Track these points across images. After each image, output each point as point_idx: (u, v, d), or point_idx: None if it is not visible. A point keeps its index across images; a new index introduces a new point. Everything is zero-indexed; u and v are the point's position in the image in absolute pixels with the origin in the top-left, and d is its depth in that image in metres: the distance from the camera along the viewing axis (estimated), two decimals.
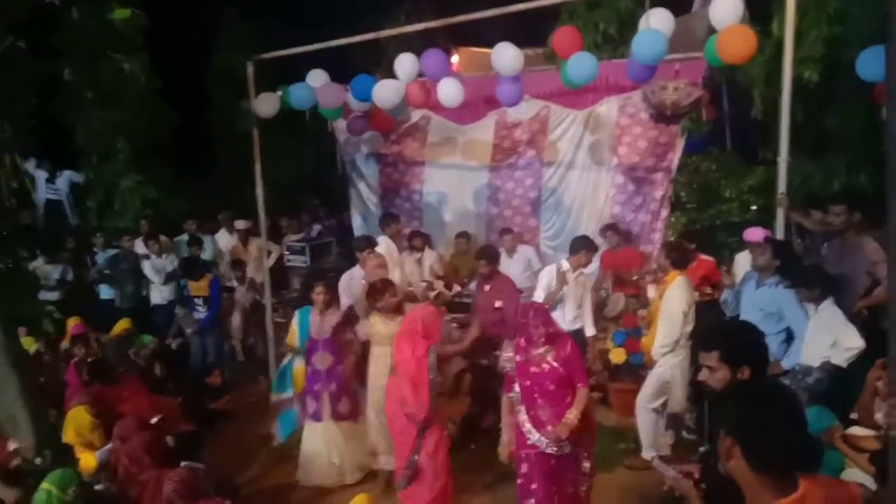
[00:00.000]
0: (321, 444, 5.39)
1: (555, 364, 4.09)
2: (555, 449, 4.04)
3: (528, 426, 4.10)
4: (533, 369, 4.12)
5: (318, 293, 5.47)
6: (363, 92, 6.41)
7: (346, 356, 5.44)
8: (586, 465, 4.20)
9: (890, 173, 2.03)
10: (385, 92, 6.24)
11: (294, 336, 5.65)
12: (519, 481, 4.20)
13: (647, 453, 5.22)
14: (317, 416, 5.42)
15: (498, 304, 5.85)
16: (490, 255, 6.13)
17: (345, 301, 5.90)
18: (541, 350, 4.13)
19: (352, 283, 6.15)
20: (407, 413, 4.44)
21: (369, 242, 6.44)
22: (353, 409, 5.45)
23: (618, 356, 6.26)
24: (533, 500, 4.10)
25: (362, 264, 6.09)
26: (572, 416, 3.98)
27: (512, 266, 7.36)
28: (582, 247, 5.90)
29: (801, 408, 1.91)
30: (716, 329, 3.16)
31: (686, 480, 2.59)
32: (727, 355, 2.60)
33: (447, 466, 4.55)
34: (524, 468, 4.15)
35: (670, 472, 2.67)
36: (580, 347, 4.71)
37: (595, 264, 6.63)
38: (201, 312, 7.46)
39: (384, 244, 6.90)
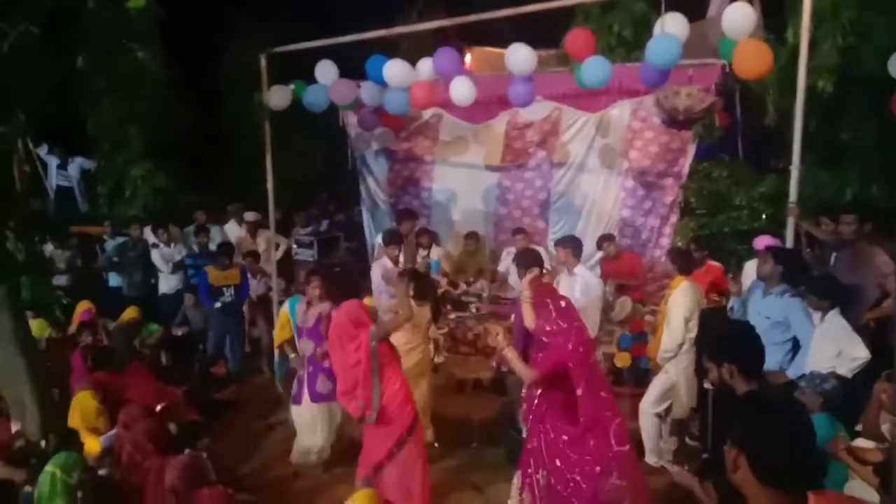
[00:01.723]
0: (301, 425, 5.52)
1: (531, 325, 4.05)
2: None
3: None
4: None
5: (315, 286, 5.55)
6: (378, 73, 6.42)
7: (324, 342, 5.40)
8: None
9: None
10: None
11: (280, 326, 5.82)
12: None
13: (650, 458, 5.22)
14: (296, 399, 5.54)
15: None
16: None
17: (379, 292, 6.26)
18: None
19: (388, 273, 6.38)
20: (355, 413, 4.32)
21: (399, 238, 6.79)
22: (332, 390, 5.40)
23: (623, 360, 6.25)
24: None
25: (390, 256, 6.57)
26: (506, 351, 3.95)
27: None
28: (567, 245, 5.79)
29: (810, 422, 1.90)
30: (707, 332, 3.20)
31: (689, 474, 2.61)
32: (710, 354, 2.69)
33: (425, 487, 4.42)
34: None
35: (675, 468, 2.69)
36: None
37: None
38: (228, 298, 7.51)
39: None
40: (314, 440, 5.49)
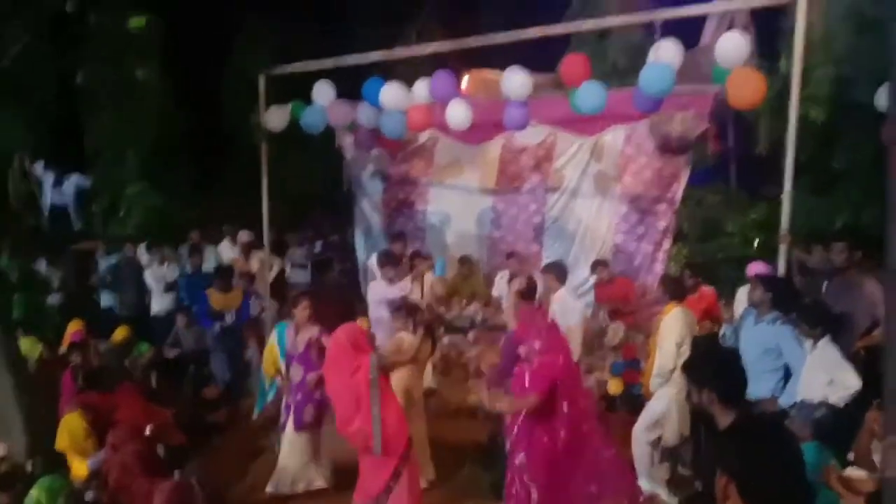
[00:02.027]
0: (285, 453, 5.42)
1: (522, 355, 4.08)
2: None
3: None
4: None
5: (303, 308, 5.47)
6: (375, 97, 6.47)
7: (315, 368, 5.39)
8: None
9: (890, 212, 2.04)
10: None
11: (270, 361, 5.68)
12: None
13: (642, 483, 5.18)
14: (283, 427, 5.47)
15: None
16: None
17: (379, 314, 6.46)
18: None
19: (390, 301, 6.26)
20: (356, 442, 4.30)
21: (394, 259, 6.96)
22: (317, 419, 5.44)
23: (616, 387, 6.24)
24: None
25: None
26: (498, 402, 4.10)
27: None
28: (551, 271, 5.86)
29: (800, 450, 1.90)
30: (692, 357, 3.19)
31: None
32: (691, 379, 2.70)
33: None
34: None
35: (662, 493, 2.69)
36: None
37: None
38: (228, 321, 7.49)
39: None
40: (297, 469, 5.41)
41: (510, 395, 4.11)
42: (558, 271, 5.81)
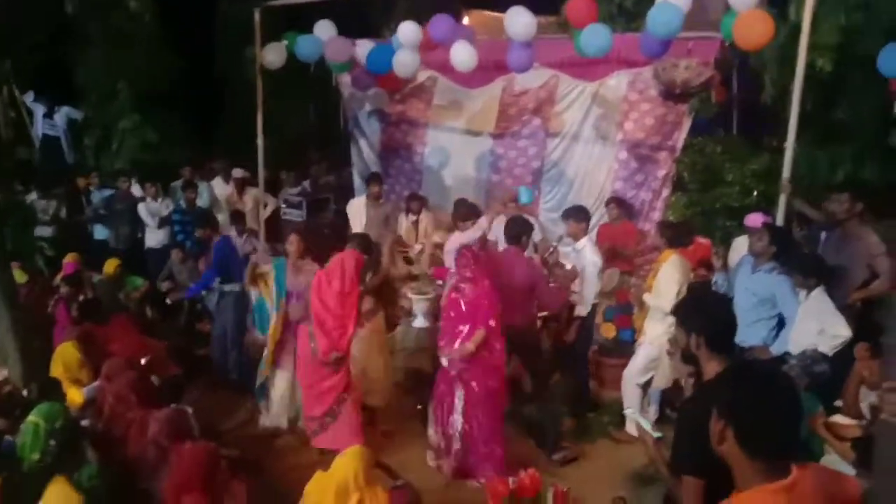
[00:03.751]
0: (279, 391, 5.54)
1: (459, 298, 4.73)
2: (446, 364, 4.78)
3: (441, 343, 4.88)
4: (449, 296, 4.85)
5: (292, 242, 5.54)
6: (380, 64, 6.36)
7: None
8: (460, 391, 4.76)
9: None
10: (402, 66, 6.29)
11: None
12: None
13: (630, 428, 5.27)
14: (278, 364, 5.52)
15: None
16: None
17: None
18: (456, 284, 4.81)
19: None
20: (324, 350, 4.77)
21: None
22: None
23: (608, 331, 6.30)
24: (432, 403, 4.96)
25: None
26: (466, 346, 4.64)
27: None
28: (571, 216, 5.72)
29: (799, 397, 1.90)
30: (682, 301, 3.15)
31: (651, 437, 2.63)
32: (680, 322, 2.69)
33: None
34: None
35: (644, 423, 2.70)
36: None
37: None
38: None
39: (358, 203, 7.61)
40: (288, 404, 5.52)
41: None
42: (580, 216, 5.68)
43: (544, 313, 5.89)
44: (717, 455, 1.88)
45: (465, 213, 6.20)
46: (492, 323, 4.67)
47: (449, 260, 5.54)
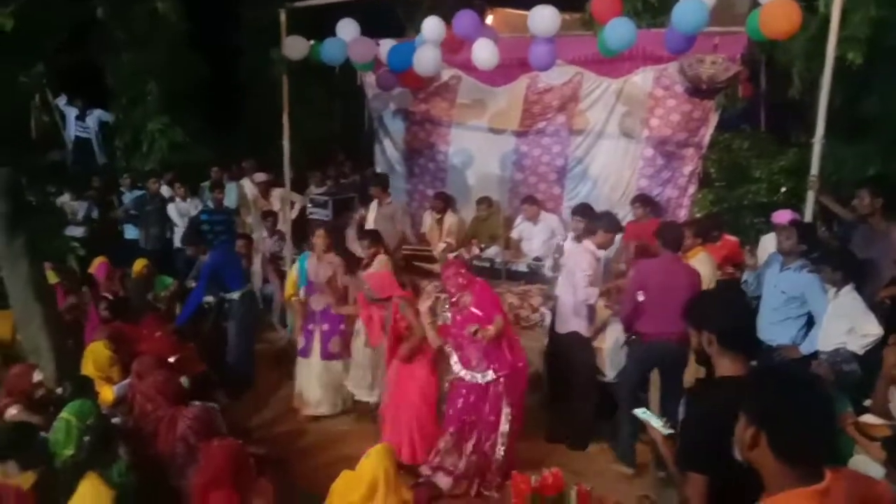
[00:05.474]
0: (306, 378, 5.78)
1: (473, 309, 4.60)
2: (478, 377, 4.60)
3: (458, 366, 4.71)
4: (458, 317, 4.70)
5: (319, 236, 5.81)
6: (401, 62, 6.39)
7: (339, 300, 5.74)
8: (507, 409, 4.61)
9: None
10: (423, 62, 6.26)
11: (292, 285, 6.05)
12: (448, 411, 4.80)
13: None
14: (304, 353, 5.80)
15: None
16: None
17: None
18: (455, 302, 4.71)
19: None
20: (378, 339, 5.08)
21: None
22: (343, 349, 5.76)
23: None
24: (451, 427, 4.69)
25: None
26: (487, 330, 4.48)
27: (535, 234, 7.34)
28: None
29: (831, 398, 1.86)
30: (695, 299, 3.00)
31: (660, 434, 2.60)
32: (692, 319, 2.56)
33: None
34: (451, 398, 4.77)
35: (654, 421, 2.68)
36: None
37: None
38: None
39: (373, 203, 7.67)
40: (315, 394, 5.73)
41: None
42: (589, 214, 5.66)
43: None
44: (730, 454, 1.86)
45: (609, 225, 5.43)
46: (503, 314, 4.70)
47: (581, 279, 5.10)
